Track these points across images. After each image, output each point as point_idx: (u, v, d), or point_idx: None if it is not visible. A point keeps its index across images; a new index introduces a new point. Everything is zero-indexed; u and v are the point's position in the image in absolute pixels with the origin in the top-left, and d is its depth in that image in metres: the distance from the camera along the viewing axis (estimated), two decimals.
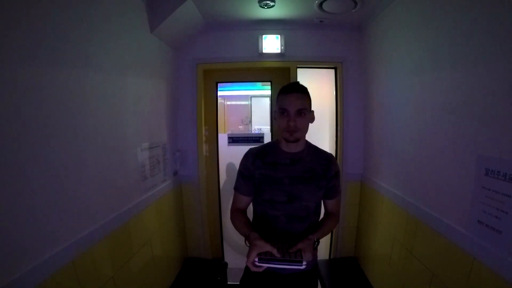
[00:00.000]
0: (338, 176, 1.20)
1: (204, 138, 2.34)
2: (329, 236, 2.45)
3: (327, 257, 2.48)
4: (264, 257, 0.93)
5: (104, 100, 1.26)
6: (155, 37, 1.78)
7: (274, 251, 0.94)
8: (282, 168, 1.14)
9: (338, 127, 2.30)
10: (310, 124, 1.15)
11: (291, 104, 1.07)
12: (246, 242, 1.02)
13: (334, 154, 2.36)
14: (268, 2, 1.78)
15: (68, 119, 1.03)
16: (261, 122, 2.88)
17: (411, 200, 1.48)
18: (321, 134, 2.68)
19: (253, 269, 0.96)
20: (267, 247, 0.95)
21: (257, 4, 1.82)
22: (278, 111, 1.11)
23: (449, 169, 1.19)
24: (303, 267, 0.94)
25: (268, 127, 2.49)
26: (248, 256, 0.95)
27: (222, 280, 2.18)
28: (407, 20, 1.53)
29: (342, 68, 2.24)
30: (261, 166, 1.16)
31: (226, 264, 2.26)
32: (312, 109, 1.16)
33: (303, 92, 1.10)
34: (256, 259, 0.93)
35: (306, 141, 1.21)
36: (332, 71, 2.35)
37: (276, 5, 1.83)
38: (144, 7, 1.63)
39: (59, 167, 0.99)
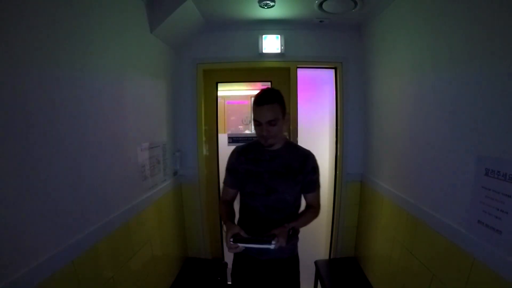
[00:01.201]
0: (315, 172, 1.29)
1: (204, 138, 2.34)
2: (329, 236, 2.45)
3: (327, 257, 2.48)
4: (237, 237, 1.08)
5: (103, 100, 1.26)
6: (155, 37, 1.78)
7: (242, 232, 1.09)
8: (263, 164, 1.26)
9: (338, 127, 2.30)
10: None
11: (262, 116, 1.16)
12: (224, 227, 1.20)
13: (334, 154, 2.37)
14: (268, 2, 1.79)
15: (68, 119, 1.03)
16: None
17: (411, 200, 1.48)
18: (321, 134, 2.68)
19: (231, 250, 1.11)
20: (236, 229, 1.10)
21: (257, 4, 1.82)
22: (253, 121, 1.22)
23: (449, 169, 1.19)
24: (273, 246, 1.04)
25: None
26: (226, 240, 1.10)
27: (222, 280, 2.18)
28: (407, 20, 1.53)
29: (342, 68, 2.24)
30: (244, 162, 1.29)
31: (226, 264, 2.26)
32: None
33: (273, 102, 1.17)
34: (231, 240, 1.07)
35: (286, 138, 1.33)
36: (332, 71, 2.35)
37: (276, 5, 1.83)
38: (144, 7, 1.63)
39: (59, 167, 0.99)
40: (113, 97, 1.34)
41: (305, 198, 1.32)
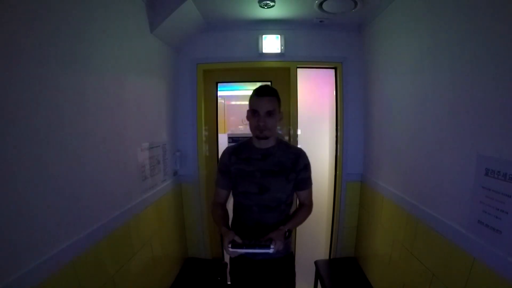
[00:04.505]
0: (307, 169, 1.29)
1: (204, 138, 2.34)
2: (329, 236, 2.45)
3: (327, 257, 2.48)
4: (235, 244, 1.07)
5: (104, 100, 1.26)
6: (155, 37, 1.78)
7: (236, 238, 1.08)
8: (254, 163, 1.26)
9: (338, 127, 2.30)
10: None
11: (262, 106, 1.19)
12: (219, 233, 1.17)
13: (334, 154, 2.37)
14: (268, 2, 1.79)
15: (68, 119, 1.03)
16: None
17: (411, 200, 1.48)
18: (321, 134, 2.68)
19: (230, 255, 1.12)
20: (231, 235, 1.09)
21: (257, 4, 1.82)
22: (250, 112, 1.23)
23: (449, 169, 1.19)
24: (271, 251, 1.05)
25: None
26: (223, 245, 1.10)
27: (222, 280, 2.18)
28: (407, 20, 1.53)
29: (342, 68, 2.24)
30: (236, 162, 1.29)
31: (226, 264, 2.26)
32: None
33: (273, 95, 1.23)
34: (229, 246, 1.06)
35: (277, 137, 1.32)
36: (332, 71, 2.35)
37: (276, 5, 1.83)
38: (144, 7, 1.63)
39: (59, 167, 0.99)
40: (113, 97, 1.34)
41: (298, 196, 1.33)
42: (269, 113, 1.19)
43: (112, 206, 1.31)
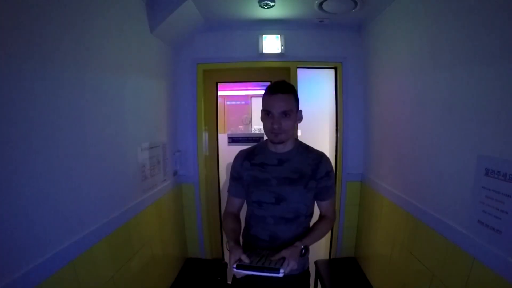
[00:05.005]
0: (330, 177, 1.14)
1: (204, 138, 2.34)
2: (329, 236, 2.44)
3: (327, 257, 2.48)
4: (241, 264, 0.95)
5: (103, 100, 1.26)
6: (155, 37, 1.78)
7: (243, 257, 0.95)
8: (270, 169, 1.12)
9: (338, 127, 2.30)
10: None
11: (275, 105, 1.04)
12: (227, 246, 1.05)
13: (334, 154, 2.37)
14: (268, 2, 1.78)
15: (68, 119, 1.03)
16: (261, 122, 2.87)
17: (411, 200, 1.48)
18: (321, 134, 2.68)
19: (235, 275, 1.00)
20: (238, 254, 0.96)
21: (257, 4, 1.81)
22: (263, 112, 1.09)
23: (449, 169, 1.19)
24: (281, 275, 0.91)
25: None
26: (229, 263, 0.98)
27: (222, 280, 2.18)
28: (407, 20, 1.53)
29: (342, 68, 2.24)
30: (249, 168, 1.16)
31: (226, 264, 2.26)
32: (302, 108, 1.15)
33: (289, 92, 1.07)
34: (234, 266, 0.95)
35: (296, 140, 1.19)
36: (332, 71, 2.35)
37: (276, 5, 1.82)
38: (144, 7, 1.63)
39: (59, 167, 0.99)
40: (113, 97, 1.34)
41: (319, 207, 1.18)
42: (285, 114, 1.04)
43: (112, 206, 1.31)
